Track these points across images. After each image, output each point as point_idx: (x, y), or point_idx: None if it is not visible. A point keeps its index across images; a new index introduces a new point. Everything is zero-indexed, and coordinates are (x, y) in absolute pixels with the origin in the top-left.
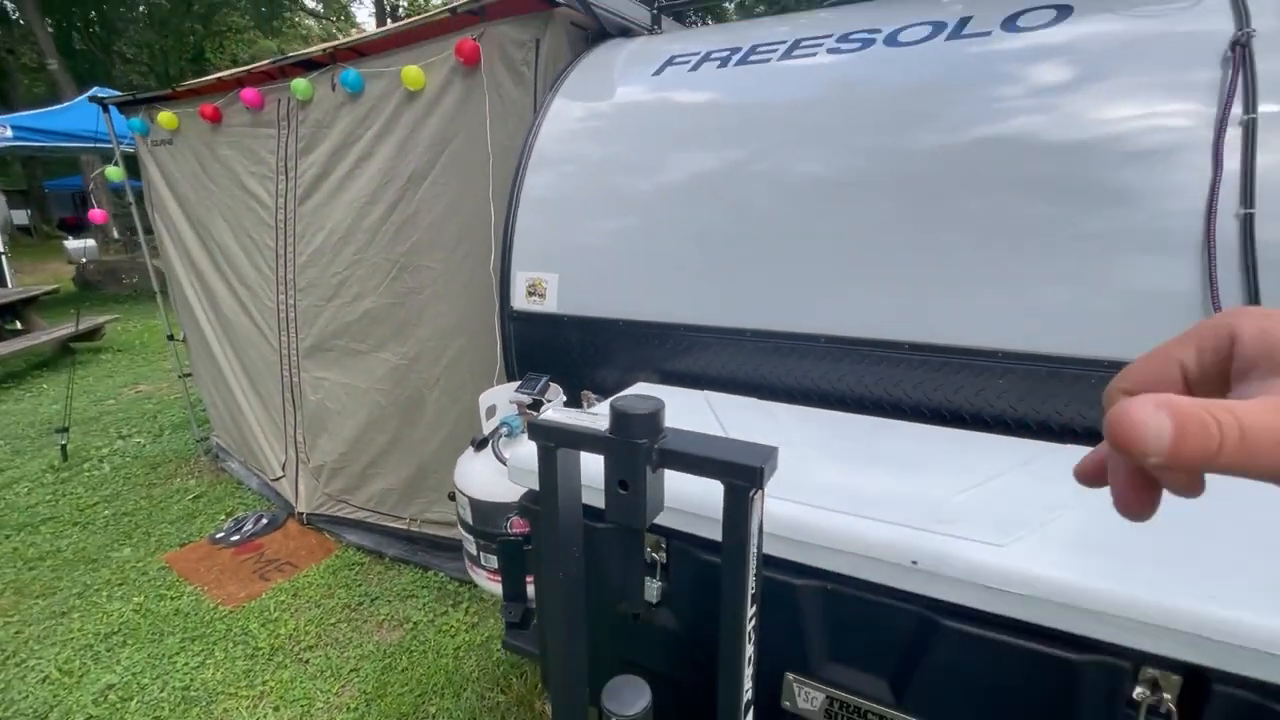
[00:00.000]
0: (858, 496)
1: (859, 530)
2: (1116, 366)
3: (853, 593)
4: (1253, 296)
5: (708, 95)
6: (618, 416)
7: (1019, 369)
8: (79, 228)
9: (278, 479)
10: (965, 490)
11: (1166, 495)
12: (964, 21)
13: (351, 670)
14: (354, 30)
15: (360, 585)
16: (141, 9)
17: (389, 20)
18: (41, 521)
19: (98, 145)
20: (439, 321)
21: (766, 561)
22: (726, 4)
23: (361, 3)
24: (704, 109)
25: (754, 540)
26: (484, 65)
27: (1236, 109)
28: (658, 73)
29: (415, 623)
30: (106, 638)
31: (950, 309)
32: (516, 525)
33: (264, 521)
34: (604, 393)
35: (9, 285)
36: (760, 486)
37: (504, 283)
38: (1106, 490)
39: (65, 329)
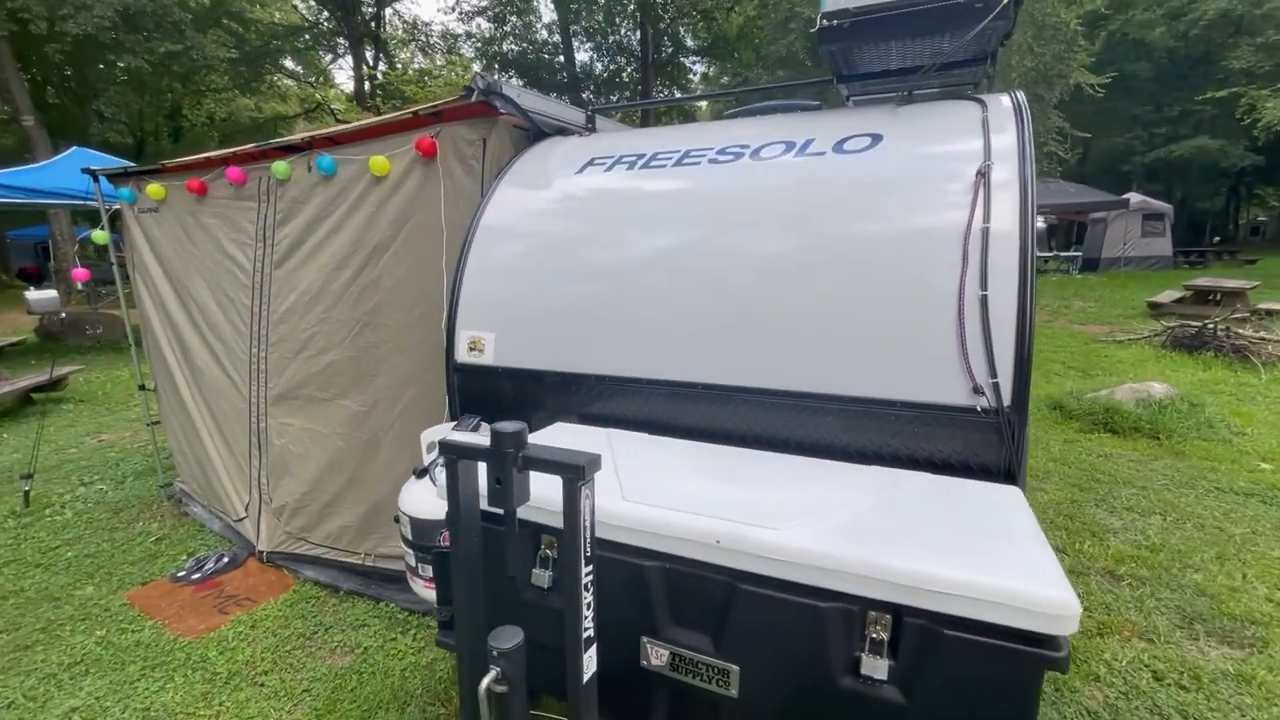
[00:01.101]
0: (694, 500)
1: (686, 522)
2: (910, 406)
3: (683, 569)
4: (989, 356)
5: (618, 190)
6: (494, 435)
7: (842, 409)
8: (40, 278)
9: (240, 520)
10: (772, 496)
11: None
12: (808, 143)
13: (304, 690)
14: (331, 91)
15: (316, 616)
16: (121, 65)
17: (367, 85)
18: (4, 564)
19: (75, 203)
20: (395, 372)
21: (624, 550)
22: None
23: (340, 66)
24: (614, 202)
25: (585, 517)
26: (440, 158)
27: (978, 219)
28: (580, 171)
29: (366, 648)
30: (69, 667)
31: (793, 362)
32: (448, 539)
33: (225, 560)
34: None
35: None
36: (585, 480)
37: (450, 339)
38: (864, 494)
39: (29, 379)
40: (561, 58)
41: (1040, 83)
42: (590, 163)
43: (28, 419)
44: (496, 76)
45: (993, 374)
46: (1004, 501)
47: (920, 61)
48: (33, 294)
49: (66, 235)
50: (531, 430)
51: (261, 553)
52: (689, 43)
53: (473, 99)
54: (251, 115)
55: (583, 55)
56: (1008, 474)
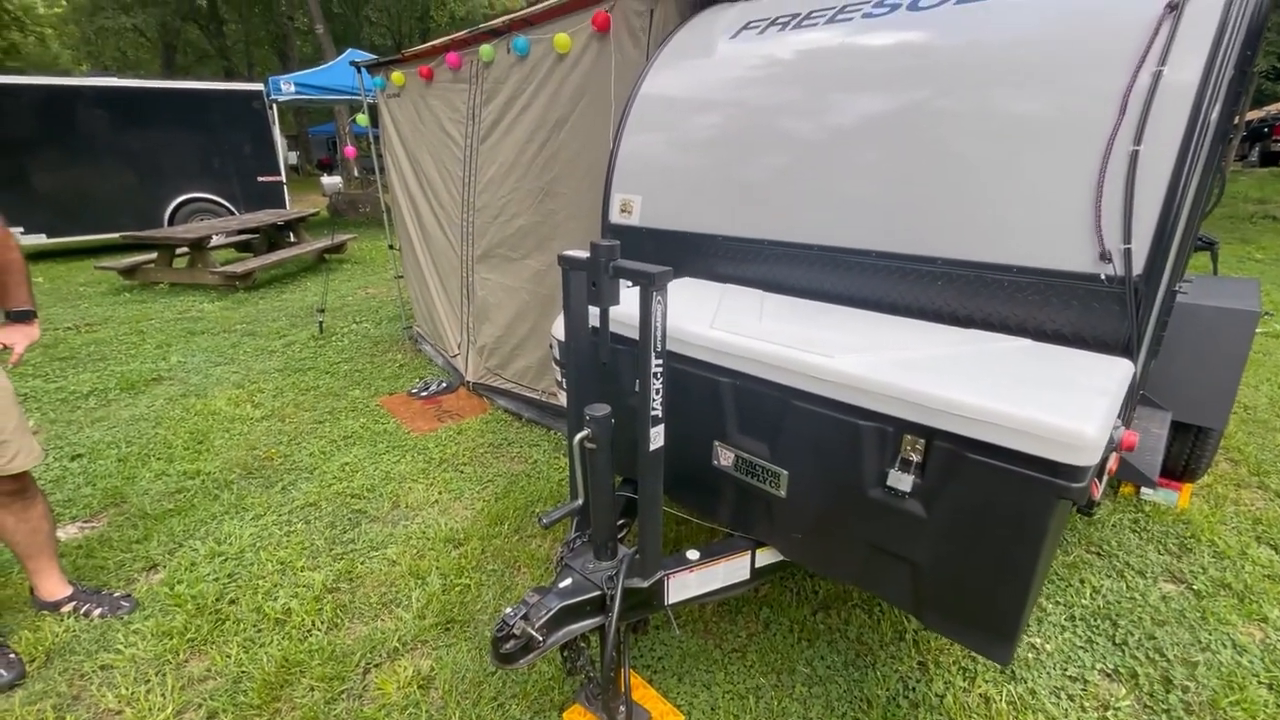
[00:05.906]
0: (770, 334)
1: (754, 345)
2: (1026, 272)
3: (749, 386)
4: (1126, 219)
5: (767, 55)
6: (593, 248)
7: (952, 273)
8: (331, 167)
9: (454, 356)
10: (845, 338)
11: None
12: None
13: (489, 480)
14: None
15: (503, 433)
16: None
17: None
18: (308, 369)
19: (351, 97)
20: (570, 236)
21: (705, 366)
22: None
23: None
24: (752, 66)
25: (656, 318)
26: (612, 31)
27: (1152, 61)
28: (734, 36)
29: (536, 460)
30: (344, 439)
31: (901, 223)
32: (562, 333)
33: (444, 385)
34: None
35: (288, 208)
36: (656, 289)
37: (606, 201)
38: (938, 344)
39: (322, 242)
40: None
41: None
42: (745, 26)
43: (323, 273)
44: None
45: (1126, 239)
46: (1096, 367)
47: None
48: (325, 179)
49: (347, 129)
50: None
51: (468, 382)
52: None
53: None
54: (485, 12)
55: None
56: (1125, 349)
